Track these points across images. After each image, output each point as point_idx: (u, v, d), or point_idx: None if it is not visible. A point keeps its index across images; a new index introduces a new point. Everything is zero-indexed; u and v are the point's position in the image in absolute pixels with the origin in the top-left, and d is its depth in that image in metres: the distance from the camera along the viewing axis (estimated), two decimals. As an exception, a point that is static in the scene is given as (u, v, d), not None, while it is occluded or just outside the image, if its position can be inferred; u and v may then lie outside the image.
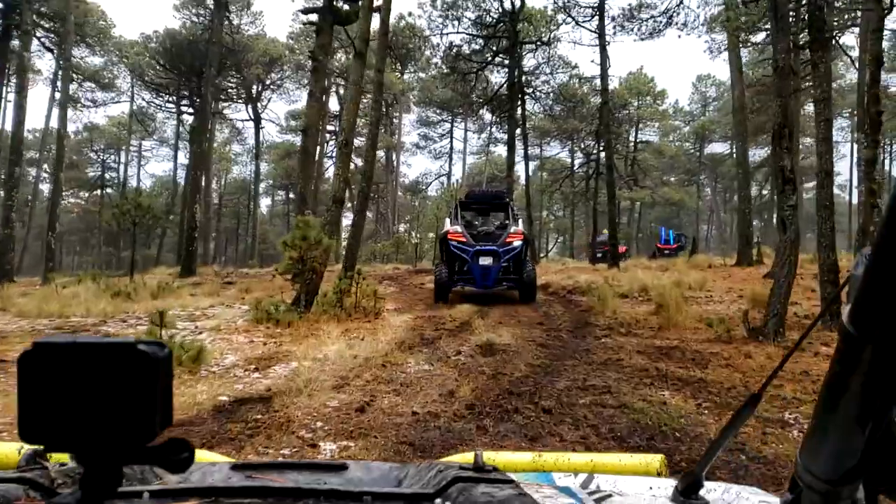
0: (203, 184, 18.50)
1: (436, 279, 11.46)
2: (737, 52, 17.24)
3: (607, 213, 18.64)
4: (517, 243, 11.25)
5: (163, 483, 0.73)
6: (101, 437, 0.41)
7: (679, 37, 45.50)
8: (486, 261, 11.03)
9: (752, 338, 7.22)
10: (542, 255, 35.89)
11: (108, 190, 44.45)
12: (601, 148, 23.01)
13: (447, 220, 12.44)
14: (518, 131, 25.39)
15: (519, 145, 27.67)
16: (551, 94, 26.61)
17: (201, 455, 1.00)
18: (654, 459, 1.03)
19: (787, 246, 6.64)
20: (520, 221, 12.24)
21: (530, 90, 24.85)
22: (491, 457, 1.01)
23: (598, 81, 20.43)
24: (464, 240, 11.20)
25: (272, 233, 49.47)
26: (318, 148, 34.11)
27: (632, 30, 21.24)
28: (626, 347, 7.21)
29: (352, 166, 43.02)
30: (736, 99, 17.44)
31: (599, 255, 25.73)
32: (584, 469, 1.00)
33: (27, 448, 0.77)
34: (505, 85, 22.21)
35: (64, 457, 0.77)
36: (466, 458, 0.97)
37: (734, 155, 51.27)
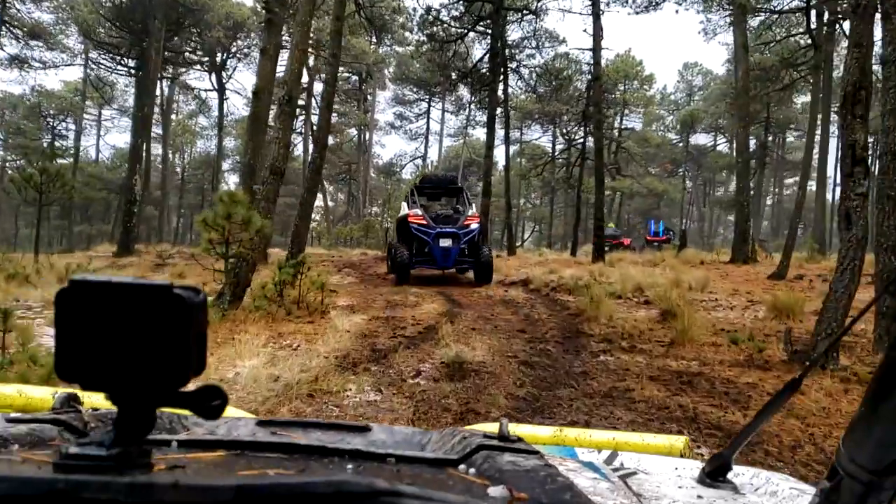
0: (145, 152, 16.35)
1: (396, 260, 11.56)
2: (742, 28, 15.65)
3: (594, 202, 17.09)
4: (474, 226, 11.72)
5: (190, 434, 0.75)
6: (134, 378, 0.41)
7: (676, 12, 44.01)
8: (446, 242, 11.38)
9: (794, 362, 5.63)
10: (518, 244, 34.28)
11: (61, 160, 41.56)
12: (589, 130, 21.37)
13: (404, 204, 12.83)
14: (499, 111, 23.69)
15: (499, 128, 26.02)
16: (537, 70, 24.74)
17: (228, 410, 0.84)
18: (679, 440, 1.01)
19: (853, 246, 5.03)
20: (473, 206, 12.76)
21: (514, 65, 22.98)
22: (512, 428, 0.95)
23: (587, 56, 18.77)
24: (424, 222, 11.53)
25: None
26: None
27: (626, 1, 19.56)
28: (633, 370, 5.58)
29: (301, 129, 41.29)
30: (739, 79, 15.87)
31: (607, 248, 24.91)
32: (607, 446, 0.98)
33: (61, 391, 0.77)
34: (487, 56, 20.35)
35: (97, 402, 0.79)
36: (489, 427, 0.97)
37: (726, 144, 50.28)
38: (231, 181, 60.50)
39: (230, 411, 1.01)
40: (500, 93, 21.70)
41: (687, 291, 10.78)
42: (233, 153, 56.44)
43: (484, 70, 21.60)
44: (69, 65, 36.65)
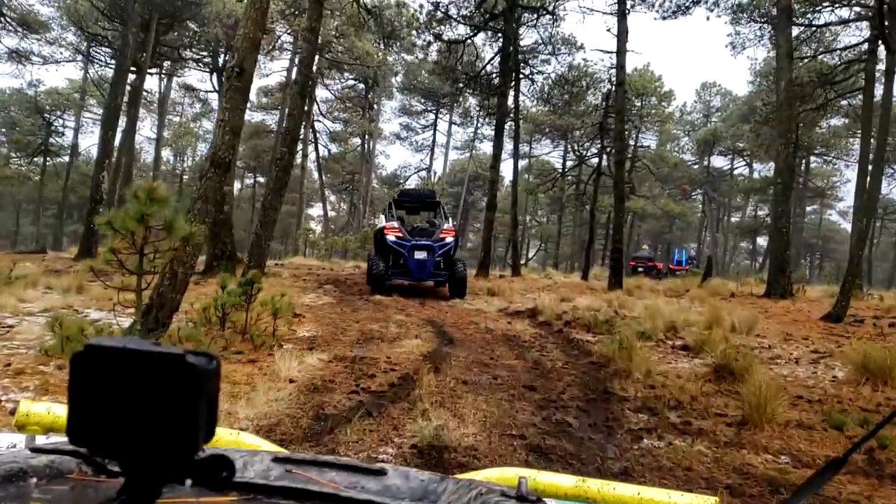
0: (116, 146, 14.63)
1: (371, 272, 11.72)
2: (787, 34, 13.87)
3: (612, 220, 15.27)
4: (449, 239, 11.89)
5: None
6: (144, 447, 0.41)
7: (707, 18, 42.38)
8: (421, 255, 11.55)
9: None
10: (522, 262, 32.41)
11: (59, 158, 40.01)
12: (606, 143, 19.58)
13: (382, 217, 13.05)
14: (508, 125, 21.97)
15: (507, 142, 24.27)
16: (551, 77, 22.99)
17: (245, 439, 1.02)
18: (709, 502, 0.94)
19: None
20: (450, 220, 12.98)
21: (526, 71, 21.21)
22: (531, 476, 0.98)
23: (607, 62, 17.02)
24: (400, 234, 11.71)
25: (236, 217, 45.25)
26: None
27: (654, 4, 17.85)
28: (697, 469, 3.72)
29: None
30: (782, 91, 14.06)
31: (641, 269, 23.72)
32: (630, 502, 0.95)
33: None
34: (498, 58, 18.62)
35: None
36: (507, 476, 0.95)
37: (744, 168, 48.27)
38: (236, 187, 59.03)
39: (248, 439, 1.03)
40: (510, 102, 19.98)
41: (729, 333, 8.94)
42: (239, 158, 55.02)
43: (494, 75, 19.90)
44: (70, 60, 35.26)
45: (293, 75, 34.24)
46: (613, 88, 19.25)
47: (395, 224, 12.08)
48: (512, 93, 20.21)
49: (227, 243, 10.77)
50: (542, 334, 8.28)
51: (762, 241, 60.88)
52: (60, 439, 0.73)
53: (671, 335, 8.76)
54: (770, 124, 25.62)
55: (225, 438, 1.03)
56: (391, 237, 11.76)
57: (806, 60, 21.56)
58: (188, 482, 0.58)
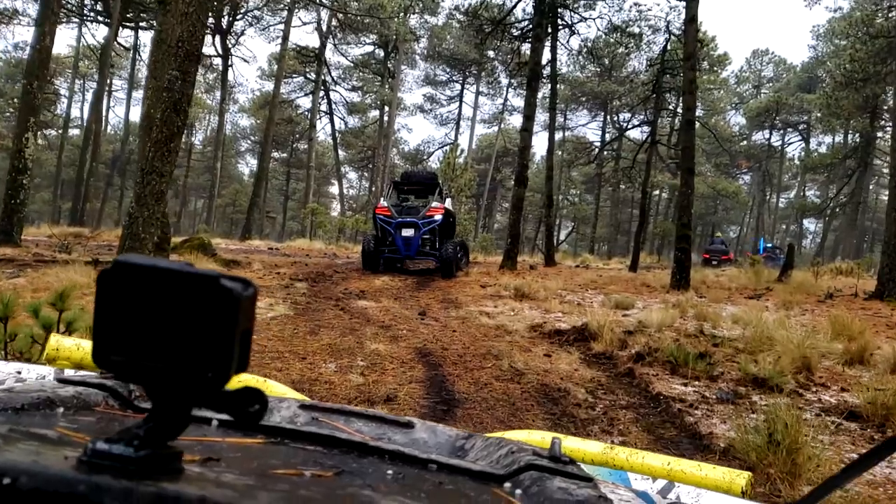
0: (38, 102, 11.63)
1: (363, 248, 12.34)
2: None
3: (676, 200, 11.91)
4: (438, 217, 11.93)
5: None
6: (172, 372, 0.39)
7: None
8: (407, 232, 11.79)
9: None
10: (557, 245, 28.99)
11: (49, 130, 37.55)
12: (662, 104, 16.06)
13: (382, 199, 13.51)
14: (540, 96, 18.48)
15: (540, 113, 20.80)
16: (597, 23, 19.27)
17: (273, 386, 1.04)
18: (741, 476, 0.91)
19: None
20: (447, 200, 13.11)
21: (566, 16, 17.46)
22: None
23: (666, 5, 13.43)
24: (388, 213, 12.02)
25: (243, 195, 42.59)
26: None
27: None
28: None
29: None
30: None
31: (715, 262, 21.21)
32: (660, 473, 0.92)
33: None
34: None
35: None
36: (535, 438, 0.95)
37: (800, 143, 43.71)
38: (251, 164, 56.36)
39: (275, 387, 1.04)
40: (545, 58, 16.56)
41: (889, 375, 5.68)
42: (252, 132, 52.29)
43: (525, 22, 16.47)
44: (60, 22, 32.53)
45: (325, 54, 31.19)
46: (671, 38, 15.76)
47: (385, 203, 12.47)
48: (548, 45, 16.74)
49: (157, 225, 7.76)
50: (603, 384, 5.07)
51: (808, 223, 56.30)
52: (89, 374, 0.74)
53: (806, 379, 5.51)
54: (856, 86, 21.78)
55: (251, 383, 0.92)
56: (380, 216, 12.19)
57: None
58: (214, 423, 0.63)
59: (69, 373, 0.84)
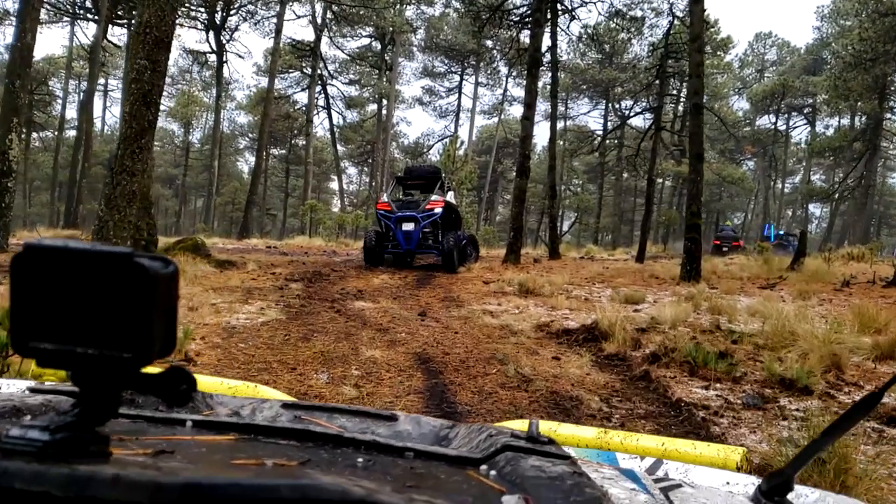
0: (22, 102, 11.24)
1: (365, 244, 12.44)
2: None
3: (686, 188, 11.48)
4: (437, 210, 11.89)
5: (211, 414, 0.74)
6: (93, 357, 0.38)
7: None
8: (408, 226, 11.78)
9: None
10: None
11: (47, 132, 37.13)
12: (667, 90, 15.57)
13: (384, 194, 13.58)
14: (541, 85, 18.00)
15: (541, 103, 20.31)
16: (597, 6, 18.76)
17: (263, 391, 1.04)
18: (736, 452, 0.94)
19: None
20: (450, 194, 13.03)
21: (565, 3, 16.87)
22: (552, 428, 0.98)
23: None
24: (389, 208, 12.08)
25: (242, 193, 42.13)
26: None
27: None
28: None
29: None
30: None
31: (726, 248, 21.74)
32: (654, 453, 0.93)
33: None
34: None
35: None
36: (523, 424, 0.91)
37: (804, 127, 42.92)
38: (250, 161, 55.86)
39: (265, 391, 1.02)
40: (545, 45, 16.06)
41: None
42: (249, 129, 51.79)
43: (524, 7, 15.99)
44: (53, 21, 32.08)
45: (320, 47, 30.70)
46: (675, 21, 15.32)
47: (385, 199, 12.49)
48: (548, 31, 16.23)
49: (143, 228, 7.37)
50: (618, 390, 4.69)
51: (812, 208, 55.58)
52: (64, 383, 0.71)
53: (837, 378, 5.11)
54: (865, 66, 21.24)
55: (242, 390, 1.02)
56: (381, 211, 12.21)
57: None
58: (189, 423, 0.62)
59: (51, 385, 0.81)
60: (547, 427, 1.01)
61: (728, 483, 0.81)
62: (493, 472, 0.57)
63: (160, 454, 0.48)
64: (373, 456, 0.59)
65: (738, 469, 0.91)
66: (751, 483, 0.79)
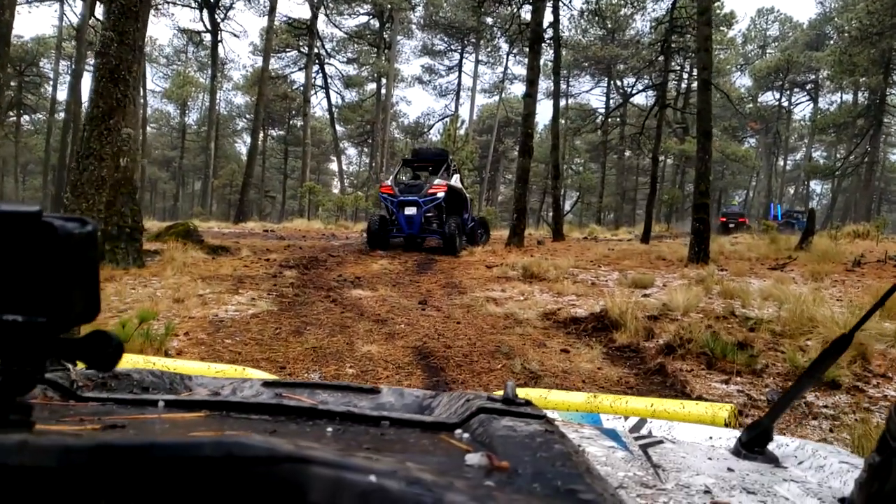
0: (2, 78, 10.82)
1: (368, 228, 12.33)
2: None
3: (694, 164, 11.11)
4: (440, 194, 11.74)
5: (190, 395, 0.73)
6: (6, 322, 0.36)
7: None
8: (410, 210, 11.64)
9: None
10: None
11: (38, 115, 36.52)
12: (671, 65, 15.10)
13: (389, 178, 13.28)
14: (544, 61, 17.48)
15: (543, 81, 19.75)
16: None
17: (251, 373, 1.05)
18: (724, 409, 0.94)
19: None
20: (455, 177, 12.83)
21: None
22: (542, 395, 0.99)
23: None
24: (392, 192, 11.92)
25: (240, 175, 41.68)
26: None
27: None
28: None
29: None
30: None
31: (732, 225, 21.71)
32: (644, 414, 0.91)
33: None
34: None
35: None
36: (532, 395, 0.92)
37: (807, 103, 42.20)
38: (248, 142, 55.25)
39: (254, 373, 1.02)
40: (547, 20, 15.55)
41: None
42: (246, 111, 51.14)
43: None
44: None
45: (317, 25, 30.07)
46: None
47: (388, 182, 12.35)
48: (550, 5, 15.73)
49: (127, 214, 7.01)
50: (632, 385, 4.39)
51: (814, 185, 55.01)
52: None
53: (863, 369, 4.81)
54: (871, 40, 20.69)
55: (230, 373, 1.01)
56: (384, 194, 12.13)
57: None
58: (161, 403, 0.60)
59: None
60: (537, 394, 1.02)
61: (710, 438, 0.81)
62: (465, 436, 0.56)
63: (109, 428, 0.45)
64: (345, 426, 0.58)
65: (727, 425, 0.88)
66: (733, 437, 0.79)
